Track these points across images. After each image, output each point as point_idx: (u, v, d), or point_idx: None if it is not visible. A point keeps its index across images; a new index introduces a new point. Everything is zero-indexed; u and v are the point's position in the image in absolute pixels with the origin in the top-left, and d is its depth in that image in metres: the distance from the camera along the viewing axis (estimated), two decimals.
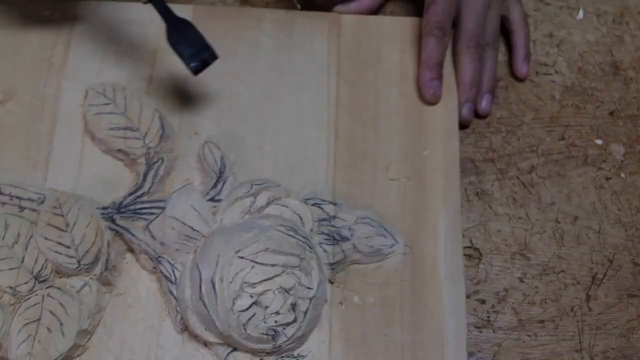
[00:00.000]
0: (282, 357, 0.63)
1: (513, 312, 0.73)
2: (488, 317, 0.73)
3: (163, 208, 0.65)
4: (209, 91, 0.73)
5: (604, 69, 0.85)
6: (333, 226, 0.67)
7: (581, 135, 0.82)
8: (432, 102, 0.72)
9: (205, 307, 0.61)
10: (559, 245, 0.77)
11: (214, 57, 0.64)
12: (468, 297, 0.74)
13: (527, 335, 0.73)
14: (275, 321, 0.61)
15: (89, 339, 0.63)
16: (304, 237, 0.64)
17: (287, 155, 0.71)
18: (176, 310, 0.64)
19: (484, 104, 0.77)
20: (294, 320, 0.62)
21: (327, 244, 0.66)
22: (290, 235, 0.64)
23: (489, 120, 0.82)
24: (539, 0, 0.88)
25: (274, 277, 0.61)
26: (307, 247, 0.64)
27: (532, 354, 0.72)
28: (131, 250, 0.67)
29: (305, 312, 0.62)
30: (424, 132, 0.74)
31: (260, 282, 0.61)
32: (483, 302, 0.74)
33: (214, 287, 0.61)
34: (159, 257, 0.64)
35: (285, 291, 0.61)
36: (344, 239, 0.67)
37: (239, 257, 0.61)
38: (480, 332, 0.72)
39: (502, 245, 0.76)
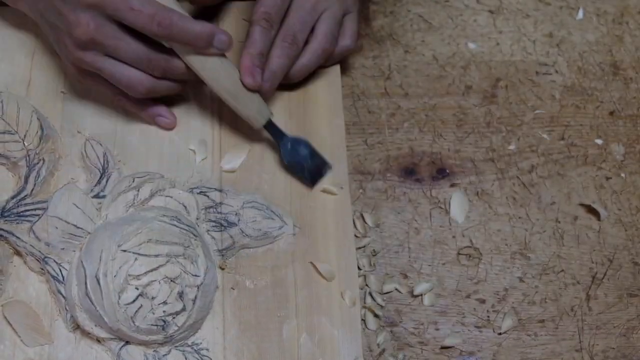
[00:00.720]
0: (175, 347, 0.64)
1: (513, 311, 0.73)
2: (488, 316, 0.73)
3: (45, 209, 0.65)
4: (89, 90, 0.73)
5: (604, 69, 0.85)
6: (220, 212, 0.68)
7: (581, 135, 0.82)
8: (252, 88, 0.68)
9: (92, 303, 0.61)
10: (559, 245, 0.77)
11: (327, 169, 0.72)
12: (468, 296, 0.73)
13: (527, 335, 0.72)
14: (164, 311, 0.62)
15: None
16: (188, 225, 0.65)
17: (172, 147, 0.72)
18: (66, 309, 0.64)
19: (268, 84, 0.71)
20: (183, 309, 0.62)
21: (214, 231, 0.68)
22: (174, 225, 0.64)
23: (489, 120, 0.81)
24: (539, 0, 0.88)
25: (158, 267, 0.62)
26: (192, 235, 0.65)
27: (532, 353, 0.71)
28: (18, 253, 0.67)
29: (194, 300, 0.63)
30: (308, 111, 0.75)
31: (145, 273, 0.62)
32: (483, 301, 0.74)
33: (98, 283, 0.61)
34: (45, 257, 0.65)
35: (171, 280, 0.62)
36: (231, 224, 0.68)
37: (121, 250, 0.62)
38: (480, 331, 0.72)
39: (502, 245, 0.76)
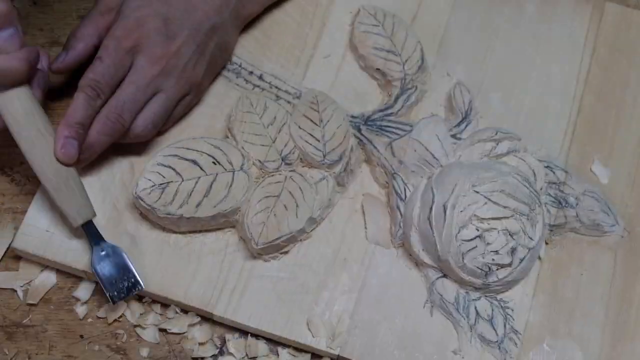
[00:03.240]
0: (486, 296, 0.65)
1: None
2: None
3: (407, 131, 0.68)
4: (467, 40, 0.75)
5: None
6: (561, 191, 0.69)
7: None
8: (63, 161, 0.62)
9: (431, 228, 0.64)
10: None
11: (137, 289, 0.62)
12: None
13: None
14: (493, 259, 0.63)
15: (314, 228, 0.66)
16: (535, 191, 0.67)
17: (529, 117, 0.72)
18: (399, 225, 0.66)
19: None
20: (509, 264, 0.64)
21: (552, 206, 0.68)
22: (525, 186, 0.65)
23: None
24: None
25: (502, 218, 0.64)
26: (537, 201, 0.66)
27: None
28: (367, 161, 0.69)
29: (522, 260, 0.64)
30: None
31: (489, 219, 0.64)
32: None
33: (444, 212, 0.63)
34: (395, 173, 0.67)
35: (510, 234, 0.64)
36: (569, 205, 0.69)
37: (474, 190, 0.64)
38: None
39: None
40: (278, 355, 0.63)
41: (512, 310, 0.65)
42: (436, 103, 0.72)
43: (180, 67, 0.65)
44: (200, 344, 0.63)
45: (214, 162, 0.63)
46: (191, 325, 0.63)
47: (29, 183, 0.68)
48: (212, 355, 0.63)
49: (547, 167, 0.69)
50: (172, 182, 0.62)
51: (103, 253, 0.62)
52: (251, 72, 0.71)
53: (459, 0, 0.75)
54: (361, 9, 0.73)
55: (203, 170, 0.63)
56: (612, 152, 0.71)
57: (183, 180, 0.62)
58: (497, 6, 0.76)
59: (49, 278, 0.65)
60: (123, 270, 0.62)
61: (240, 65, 0.71)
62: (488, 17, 0.75)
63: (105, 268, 0.62)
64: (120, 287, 0.62)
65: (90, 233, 0.63)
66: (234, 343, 0.63)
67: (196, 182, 0.62)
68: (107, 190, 0.65)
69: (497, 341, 0.63)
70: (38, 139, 0.61)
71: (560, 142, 0.71)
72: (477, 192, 0.63)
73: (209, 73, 0.68)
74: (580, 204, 0.68)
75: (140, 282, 0.62)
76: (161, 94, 0.65)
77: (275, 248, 0.63)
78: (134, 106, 0.64)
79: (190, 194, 0.62)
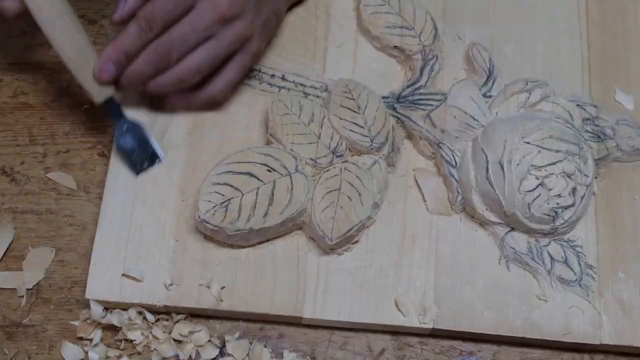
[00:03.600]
0: (554, 240, 0.67)
1: None
2: None
3: (440, 100, 0.69)
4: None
5: None
6: (597, 125, 0.71)
7: None
8: (98, 81, 0.63)
9: (492, 187, 0.65)
10: None
11: (157, 160, 0.66)
12: None
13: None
14: (557, 203, 0.65)
15: (377, 212, 0.66)
16: (577, 129, 0.68)
17: (544, 62, 0.74)
18: (457, 191, 0.67)
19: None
20: (572, 204, 0.66)
21: (592, 141, 0.70)
22: (568, 127, 0.67)
23: None
24: None
25: (557, 162, 0.65)
26: (583, 139, 0.68)
27: (532, 353, 0.69)
28: (409, 137, 0.70)
29: (582, 198, 0.66)
30: None
31: (545, 165, 0.65)
32: None
33: (502, 169, 0.65)
34: (440, 143, 0.68)
35: (567, 176, 0.65)
36: (608, 137, 0.71)
37: (525, 142, 0.65)
38: None
39: None
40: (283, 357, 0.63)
41: (581, 247, 0.67)
42: (456, 67, 0.73)
43: (238, 17, 0.65)
44: (199, 346, 0.63)
45: (268, 170, 0.63)
46: (192, 332, 0.63)
47: (29, 183, 0.68)
48: (213, 358, 0.63)
49: (577, 105, 0.71)
50: (233, 198, 0.62)
51: (125, 128, 0.66)
52: (273, 75, 0.70)
53: None
54: None
55: (260, 180, 0.63)
56: (630, 78, 0.74)
57: (243, 194, 0.62)
58: None
59: None
60: (144, 144, 0.66)
61: (260, 71, 0.70)
62: None
63: (127, 142, 0.66)
64: (142, 160, 0.66)
65: (112, 110, 0.66)
66: (233, 344, 0.63)
67: (257, 193, 0.62)
68: (164, 223, 0.64)
69: (576, 279, 0.65)
70: (59, 19, 0.62)
71: (580, 79, 0.73)
72: (528, 143, 0.65)
73: (263, 34, 0.68)
74: (617, 133, 0.71)
75: (160, 153, 0.66)
76: (212, 40, 0.64)
77: (347, 240, 0.63)
78: (184, 46, 0.64)
79: (255, 206, 0.62)
